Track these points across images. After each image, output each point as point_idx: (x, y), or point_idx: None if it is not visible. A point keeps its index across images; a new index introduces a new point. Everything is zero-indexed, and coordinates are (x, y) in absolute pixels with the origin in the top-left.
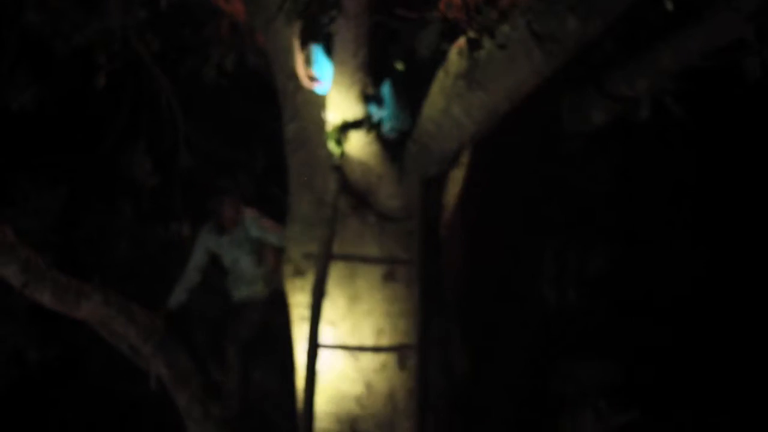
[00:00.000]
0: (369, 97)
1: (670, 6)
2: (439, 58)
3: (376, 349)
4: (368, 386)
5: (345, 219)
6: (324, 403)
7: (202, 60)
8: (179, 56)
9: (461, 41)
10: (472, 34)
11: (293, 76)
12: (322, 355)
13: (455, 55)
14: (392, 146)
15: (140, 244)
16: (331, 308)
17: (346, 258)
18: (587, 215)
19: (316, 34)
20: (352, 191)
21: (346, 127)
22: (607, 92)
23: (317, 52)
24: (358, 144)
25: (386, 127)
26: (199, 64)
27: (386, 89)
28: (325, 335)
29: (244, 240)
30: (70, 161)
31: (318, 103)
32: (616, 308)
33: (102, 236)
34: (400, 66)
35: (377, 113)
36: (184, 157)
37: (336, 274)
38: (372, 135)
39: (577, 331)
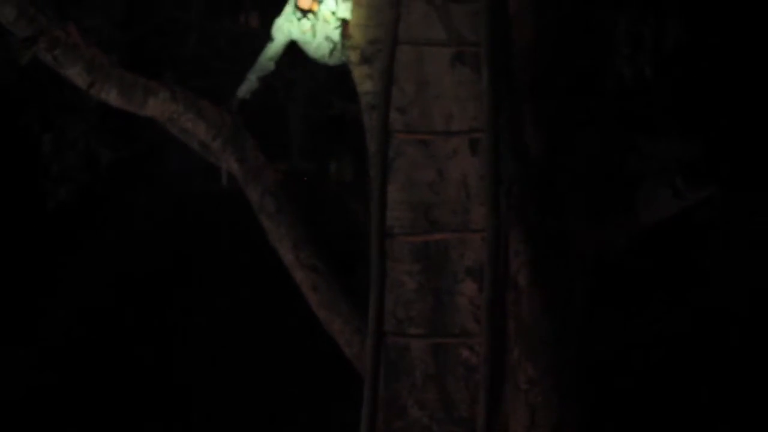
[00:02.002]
0: None
1: None
2: None
3: (446, 134)
4: (440, 173)
5: (410, 2)
6: (396, 191)
7: None
8: None
9: None
10: None
11: None
12: (393, 142)
13: None
14: None
15: (209, 39)
16: (399, 94)
17: (413, 42)
18: None
19: None
20: None
21: None
22: None
23: None
24: None
25: None
26: None
27: None
28: (395, 122)
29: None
30: None
31: None
32: (696, 83)
33: (170, 31)
34: None
35: None
36: None
37: (403, 59)
38: None
39: (655, 107)
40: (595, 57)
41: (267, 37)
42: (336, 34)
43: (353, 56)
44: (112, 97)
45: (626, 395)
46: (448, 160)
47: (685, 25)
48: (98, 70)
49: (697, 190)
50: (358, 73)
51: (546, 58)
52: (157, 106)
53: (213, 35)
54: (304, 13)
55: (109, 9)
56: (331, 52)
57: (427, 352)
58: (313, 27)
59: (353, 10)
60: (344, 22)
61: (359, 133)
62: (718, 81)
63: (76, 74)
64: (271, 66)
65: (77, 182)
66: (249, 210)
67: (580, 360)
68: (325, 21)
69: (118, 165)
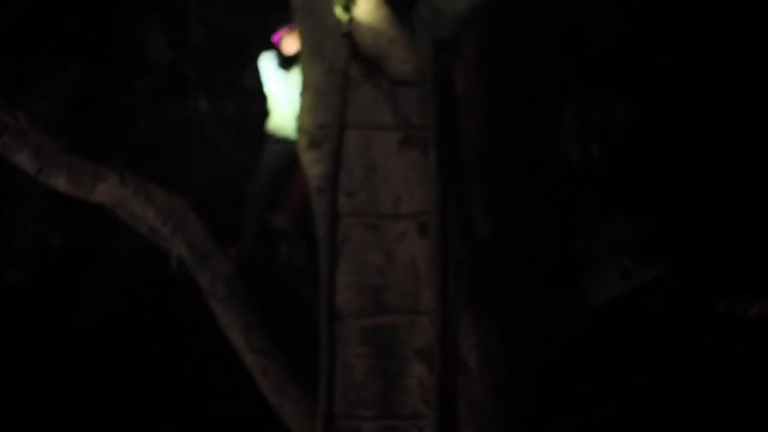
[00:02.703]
0: None
1: None
2: None
3: (395, 217)
4: (389, 255)
5: (357, 86)
6: (345, 274)
7: None
8: None
9: None
10: None
11: None
12: (341, 226)
13: None
14: (402, 10)
15: (158, 123)
16: (348, 178)
17: (361, 126)
18: (606, 66)
19: None
20: (363, 58)
21: None
22: None
23: None
24: (366, 9)
25: None
26: None
27: None
28: (343, 206)
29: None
30: (83, 41)
31: None
32: (643, 163)
33: (119, 116)
34: None
35: None
36: (197, 32)
37: (351, 143)
38: None
39: (602, 187)
40: (542, 137)
41: (215, 121)
42: None
43: (302, 140)
44: (61, 182)
45: None
46: (396, 242)
47: (631, 105)
48: (47, 156)
49: (645, 270)
50: (307, 157)
51: (493, 140)
52: (107, 191)
53: (161, 120)
54: (287, 64)
55: (57, 95)
56: None
57: None
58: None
59: (302, 95)
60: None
61: (309, 216)
62: (666, 161)
63: (24, 160)
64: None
65: (26, 266)
66: (199, 294)
67: None
68: None
69: (68, 249)
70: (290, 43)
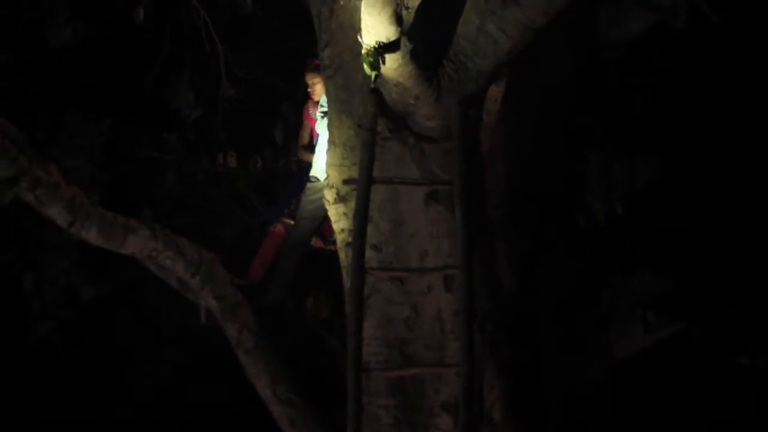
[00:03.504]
0: (401, 18)
1: None
2: None
3: (421, 271)
4: (415, 309)
5: (384, 142)
6: (372, 327)
7: None
8: None
9: None
10: None
11: (327, 1)
12: (368, 279)
13: None
14: (428, 66)
15: (187, 177)
16: (375, 232)
17: (387, 181)
18: (631, 126)
19: None
20: (389, 114)
21: (380, 50)
22: (642, 2)
23: None
24: (393, 66)
25: None
26: None
27: None
28: (370, 260)
29: None
30: (114, 97)
31: (352, 27)
32: (666, 220)
33: (149, 170)
34: None
35: None
36: (226, 87)
37: (378, 197)
38: (407, 56)
39: (626, 243)
40: (566, 193)
41: (244, 176)
42: None
43: (329, 195)
44: (92, 235)
45: None
46: (423, 296)
47: (654, 162)
48: (79, 209)
49: (668, 324)
50: (334, 211)
51: (518, 196)
52: (137, 244)
53: (191, 174)
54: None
55: (89, 149)
56: None
57: None
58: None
59: (328, 150)
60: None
61: (336, 269)
62: (689, 217)
63: (57, 213)
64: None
65: (58, 319)
66: (227, 345)
67: None
68: None
69: (99, 302)
70: (317, 91)
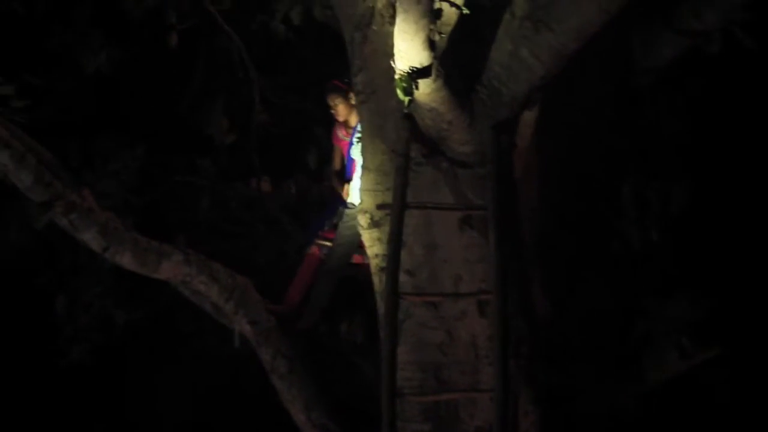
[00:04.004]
0: (434, 44)
1: None
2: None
3: (455, 296)
4: (449, 334)
5: (418, 167)
6: (406, 352)
7: (271, 15)
8: (249, 12)
9: None
10: None
11: (360, 26)
12: (402, 304)
13: None
14: (462, 92)
15: (221, 202)
16: (409, 257)
17: (421, 206)
18: (666, 151)
19: None
20: (423, 139)
21: (414, 75)
22: (675, 27)
23: None
24: (426, 91)
25: None
26: (269, 20)
27: None
28: (404, 285)
29: None
30: (148, 122)
31: (386, 52)
32: (701, 246)
33: (183, 195)
34: (465, 10)
35: None
36: (260, 112)
37: (412, 222)
38: (440, 81)
39: (661, 269)
40: (601, 220)
41: (278, 201)
42: None
43: (363, 220)
44: (126, 260)
45: None
46: (456, 321)
47: (690, 189)
48: (112, 234)
49: (703, 350)
50: (368, 236)
51: (552, 221)
52: (171, 269)
53: (225, 199)
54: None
55: (123, 174)
56: None
57: None
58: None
59: (362, 176)
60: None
61: (370, 294)
62: (724, 244)
63: (91, 238)
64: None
65: (91, 342)
66: (261, 370)
67: None
68: None
69: (132, 326)
70: (340, 111)
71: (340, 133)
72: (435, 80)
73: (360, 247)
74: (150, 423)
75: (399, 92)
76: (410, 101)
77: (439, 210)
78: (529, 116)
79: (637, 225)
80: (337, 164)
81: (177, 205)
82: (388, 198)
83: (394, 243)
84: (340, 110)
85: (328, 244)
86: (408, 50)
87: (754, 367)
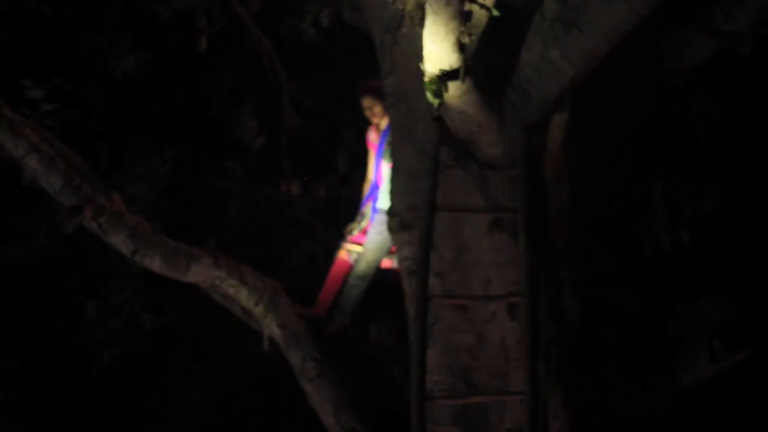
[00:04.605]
0: (464, 46)
1: None
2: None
3: (485, 299)
4: (479, 337)
5: (448, 170)
6: (436, 355)
7: (301, 18)
8: (278, 15)
9: None
10: None
11: (390, 29)
12: (432, 307)
13: None
14: (492, 94)
15: (251, 206)
16: (439, 260)
17: (451, 209)
18: (697, 152)
19: None
20: (453, 141)
21: (443, 78)
22: (706, 28)
23: None
24: (456, 93)
25: None
26: (299, 23)
27: None
28: (434, 287)
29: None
30: (177, 125)
31: (415, 55)
32: (732, 248)
33: (212, 199)
34: (495, 12)
35: None
36: (290, 116)
37: (441, 225)
38: (470, 84)
39: (692, 271)
40: (631, 222)
41: (307, 204)
42: None
43: (392, 223)
44: (155, 264)
45: None
46: (486, 324)
47: (721, 191)
48: (142, 238)
49: (734, 352)
50: (398, 239)
51: (583, 224)
52: (200, 272)
53: (254, 203)
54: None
55: (152, 178)
56: None
57: None
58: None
59: (392, 178)
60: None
61: (399, 296)
62: (755, 245)
63: (120, 242)
64: None
65: (121, 347)
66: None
67: None
68: None
69: (162, 330)
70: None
71: (372, 136)
72: (464, 83)
73: (390, 252)
74: (178, 427)
75: (429, 95)
76: (440, 104)
77: (469, 213)
78: (559, 118)
79: (668, 227)
80: (370, 168)
81: (206, 209)
82: (418, 201)
83: (424, 246)
84: (377, 111)
85: (358, 248)
86: (438, 53)
87: None
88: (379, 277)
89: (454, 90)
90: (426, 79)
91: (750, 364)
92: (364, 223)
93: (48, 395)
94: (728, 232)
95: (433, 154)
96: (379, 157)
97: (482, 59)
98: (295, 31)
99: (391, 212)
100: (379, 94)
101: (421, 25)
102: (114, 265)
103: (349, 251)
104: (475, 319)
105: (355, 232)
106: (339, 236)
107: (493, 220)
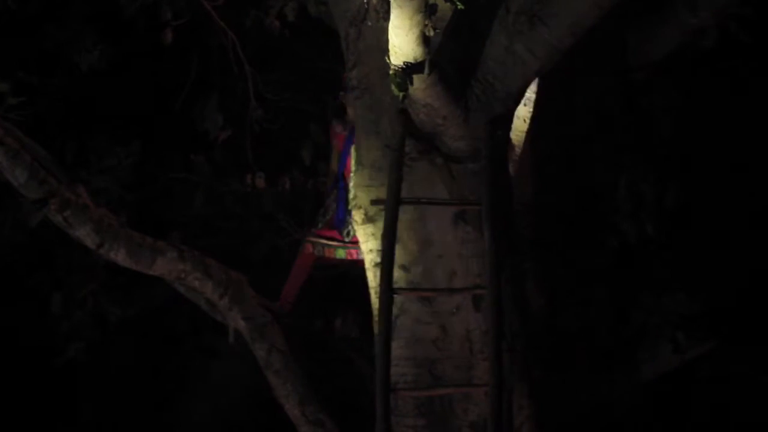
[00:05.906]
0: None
1: None
2: None
3: (449, 291)
4: (444, 329)
5: (412, 162)
6: (401, 347)
7: (266, 11)
8: (243, 8)
9: None
10: None
11: (355, 22)
12: (396, 299)
13: None
14: (456, 87)
15: (216, 198)
16: (403, 252)
17: (415, 202)
18: (661, 145)
19: None
20: (418, 134)
21: (408, 70)
22: (670, 22)
23: None
24: (421, 86)
25: None
26: (264, 16)
27: None
28: (399, 280)
29: None
30: (142, 119)
31: (380, 48)
32: (696, 240)
33: (177, 192)
34: (460, 5)
35: None
36: (255, 108)
37: (406, 218)
38: (435, 77)
39: (656, 263)
40: (596, 214)
41: (272, 197)
42: None
43: (357, 216)
44: (120, 257)
45: None
46: (451, 316)
47: (685, 183)
48: (107, 231)
49: (697, 344)
50: (362, 232)
51: (547, 216)
52: (165, 265)
53: (219, 195)
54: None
55: (117, 170)
56: None
57: None
58: None
59: (356, 171)
60: None
61: (364, 289)
62: (719, 238)
63: (85, 235)
64: None
65: (86, 340)
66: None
67: None
68: None
69: (126, 323)
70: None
71: (337, 128)
72: (429, 76)
73: (354, 242)
74: (145, 419)
75: (393, 88)
76: (405, 97)
77: (433, 205)
78: (524, 111)
79: (632, 219)
80: (333, 160)
81: (171, 202)
82: (383, 193)
83: (389, 238)
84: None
85: (323, 241)
86: (402, 46)
87: (748, 362)
88: (344, 270)
89: (418, 83)
90: (391, 72)
91: (713, 356)
92: (328, 216)
93: (12, 389)
94: (692, 225)
95: (398, 147)
96: (348, 149)
97: (447, 52)
98: (260, 24)
99: (355, 205)
100: None
101: (386, 18)
102: (79, 258)
103: (314, 244)
104: (439, 312)
105: (320, 225)
106: (304, 229)
107: (457, 213)
